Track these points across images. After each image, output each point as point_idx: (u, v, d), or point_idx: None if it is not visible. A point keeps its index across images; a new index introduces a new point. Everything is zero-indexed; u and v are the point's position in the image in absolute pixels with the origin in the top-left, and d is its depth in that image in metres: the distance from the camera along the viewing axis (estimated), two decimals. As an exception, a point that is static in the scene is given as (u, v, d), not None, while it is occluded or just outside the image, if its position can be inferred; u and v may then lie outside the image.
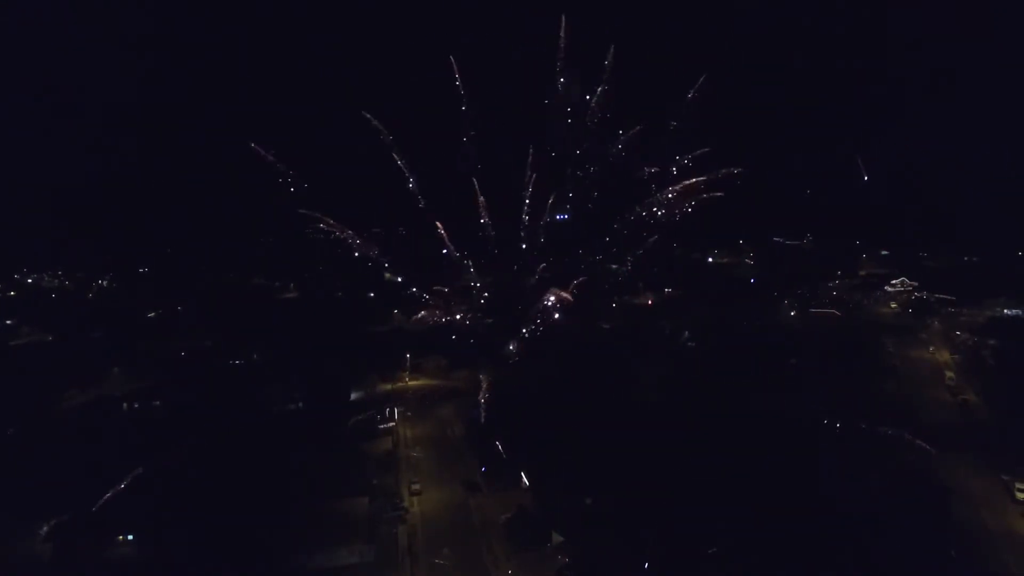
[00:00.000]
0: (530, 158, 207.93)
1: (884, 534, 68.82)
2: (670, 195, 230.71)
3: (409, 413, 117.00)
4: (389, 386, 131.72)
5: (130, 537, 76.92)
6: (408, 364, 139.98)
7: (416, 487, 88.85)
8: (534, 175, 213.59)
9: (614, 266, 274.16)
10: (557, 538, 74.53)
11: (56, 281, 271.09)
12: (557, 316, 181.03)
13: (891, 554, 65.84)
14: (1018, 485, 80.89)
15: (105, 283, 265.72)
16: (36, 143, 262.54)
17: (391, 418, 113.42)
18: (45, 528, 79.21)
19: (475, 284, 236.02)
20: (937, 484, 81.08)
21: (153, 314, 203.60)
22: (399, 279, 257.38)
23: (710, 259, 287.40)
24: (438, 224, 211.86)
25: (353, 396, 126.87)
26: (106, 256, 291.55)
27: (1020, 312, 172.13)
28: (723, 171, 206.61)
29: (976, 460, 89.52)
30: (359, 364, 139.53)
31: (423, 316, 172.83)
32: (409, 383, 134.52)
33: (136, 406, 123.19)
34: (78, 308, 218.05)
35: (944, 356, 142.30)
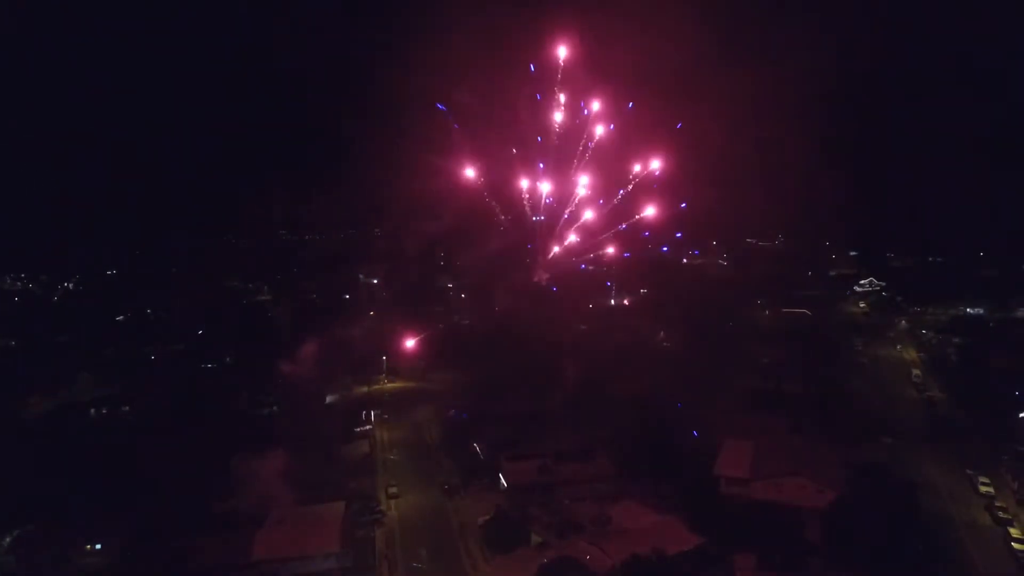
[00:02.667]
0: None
1: (853, 526, 70.23)
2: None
3: (386, 416, 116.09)
4: (365, 388, 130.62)
5: (98, 546, 74.80)
6: (384, 367, 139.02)
7: (393, 490, 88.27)
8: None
9: (590, 267, 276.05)
10: (536, 539, 74.63)
11: (19, 284, 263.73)
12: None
13: (859, 545, 67.21)
14: (981, 479, 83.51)
15: (71, 286, 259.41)
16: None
17: (367, 421, 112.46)
18: (8, 539, 76.85)
19: (450, 285, 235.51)
20: (904, 478, 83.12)
21: (122, 317, 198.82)
22: (374, 281, 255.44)
23: (684, 260, 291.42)
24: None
25: (328, 399, 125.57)
26: (72, 258, 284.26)
27: (982, 311, 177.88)
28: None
29: (941, 455, 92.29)
30: (334, 367, 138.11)
31: None
32: (386, 386, 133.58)
33: (104, 412, 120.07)
34: (43, 311, 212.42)
35: (911, 354, 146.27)
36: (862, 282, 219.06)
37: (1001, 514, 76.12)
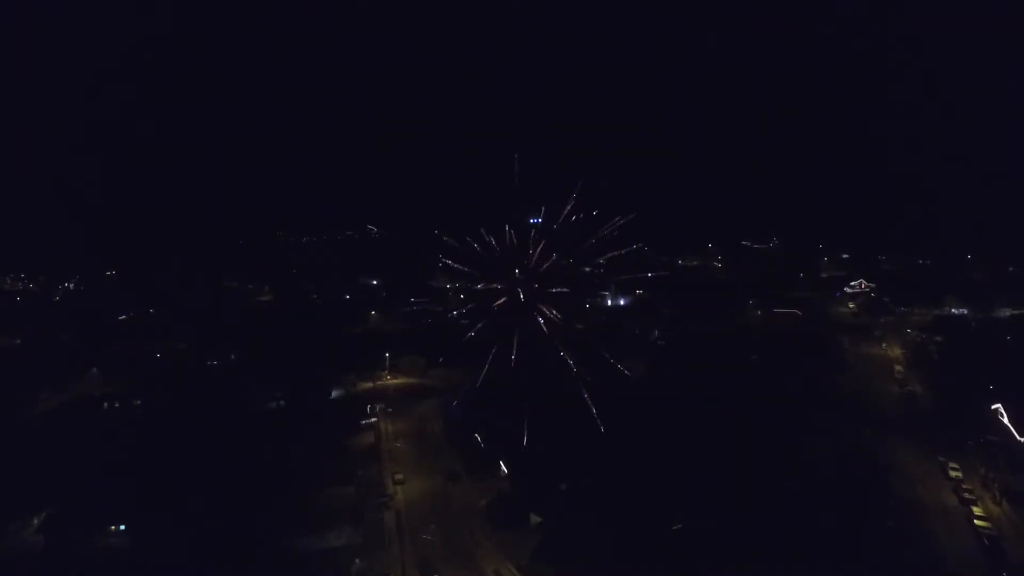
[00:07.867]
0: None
1: (830, 507, 75.48)
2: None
3: (390, 410, 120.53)
4: (369, 384, 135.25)
5: (122, 528, 79.09)
6: (387, 363, 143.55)
7: (399, 476, 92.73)
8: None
9: (586, 268, 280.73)
10: (535, 519, 79.24)
11: (20, 284, 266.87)
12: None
13: (835, 524, 72.38)
14: (951, 465, 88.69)
15: (71, 285, 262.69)
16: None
17: (372, 414, 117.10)
18: (36, 520, 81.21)
19: (449, 286, 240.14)
20: (878, 463, 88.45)
21: (124, 316, 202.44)
22: (374, 282, 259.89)
23: (679, 261, 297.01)
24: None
25: (333, 395, 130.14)
26: (71, 258, 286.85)
27: (965, 311, 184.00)
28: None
29: (916, 443, 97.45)
30: (338, 364, 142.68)
31: None
32: (388, 382, 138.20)
33: (117, 405, 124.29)
34: (46, 311, 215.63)
35: (895, 352, 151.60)
36: (852, 283, 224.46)
37: (967, 495, 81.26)
